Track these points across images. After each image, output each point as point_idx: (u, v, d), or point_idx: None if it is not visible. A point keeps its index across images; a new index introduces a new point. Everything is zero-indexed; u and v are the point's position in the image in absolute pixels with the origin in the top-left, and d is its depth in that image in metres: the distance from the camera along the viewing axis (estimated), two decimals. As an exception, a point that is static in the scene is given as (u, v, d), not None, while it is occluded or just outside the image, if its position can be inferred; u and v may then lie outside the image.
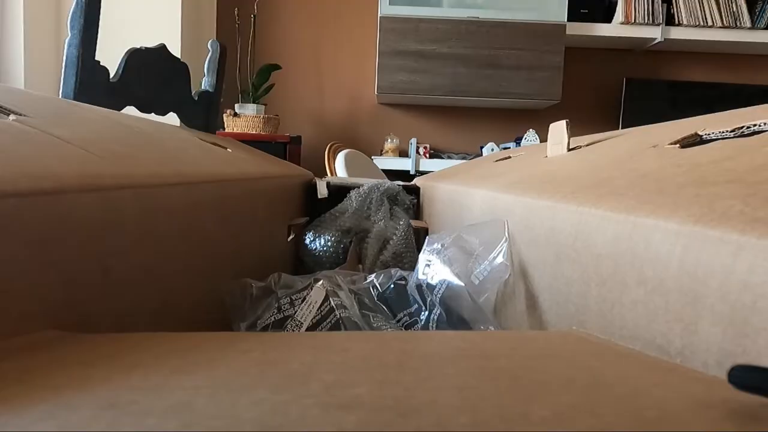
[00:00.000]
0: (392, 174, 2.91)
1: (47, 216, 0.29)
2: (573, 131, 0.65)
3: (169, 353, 0.23)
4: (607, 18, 3.16)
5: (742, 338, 0.20)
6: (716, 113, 0.54)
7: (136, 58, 1.21)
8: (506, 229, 0.45)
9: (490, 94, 3.02)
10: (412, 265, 0.89)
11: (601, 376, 0.22)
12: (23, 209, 0.28)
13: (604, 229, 0.30)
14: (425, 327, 0.46)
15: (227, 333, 0.26)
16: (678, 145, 0.42)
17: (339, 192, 1.04)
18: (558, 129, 0.66)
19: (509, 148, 2.83)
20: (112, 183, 0.37)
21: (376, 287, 0.52)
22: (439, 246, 0.43)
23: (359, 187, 1.03)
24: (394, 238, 0.92)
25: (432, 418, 0.17)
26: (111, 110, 0.78)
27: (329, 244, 0.92)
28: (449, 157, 3.19)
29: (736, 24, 3.09)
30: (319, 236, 0.93)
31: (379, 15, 2.97)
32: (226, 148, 0.89)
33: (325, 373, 0.21)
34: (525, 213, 0.43)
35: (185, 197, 0.49)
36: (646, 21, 3.09)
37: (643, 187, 0.32)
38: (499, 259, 0.44)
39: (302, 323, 0.43)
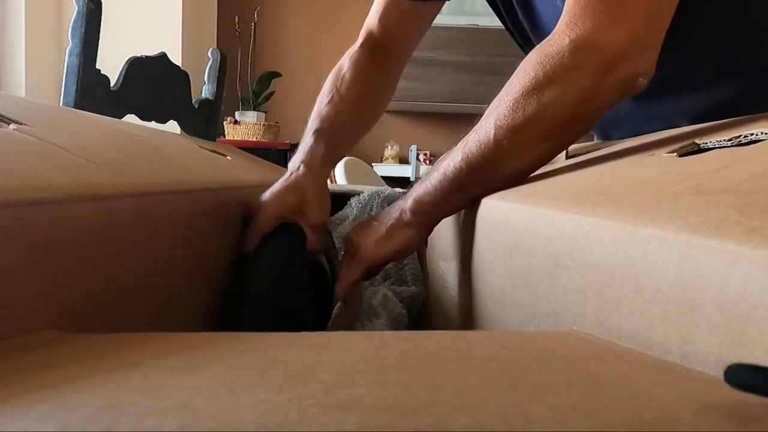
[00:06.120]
0: (393, 181, 2.91)
1: (47, 225, 0.29)
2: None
3: (169, 353, 0.23)
4: (606, 25, 3.17)
5: (738, 348, 0.20)
6: (714, 122, 0.54)
7: (136, 66, 1.22)
8: None
9: (489, 101, 3.01)
10: (413, 272, 0.89)
11: (601, 377, 0.22)
12: (23, 218, 0.28)
13: (601, 237, 0.30)
14: None
15: (226, 333, 0.26)
16: (675, 154, 0.42)
17: (339, 199, 1.04)
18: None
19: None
20: (111, 192, 0.37)
21: None
22: None
23: (359, 194, 1.03)
24: (395, 244, 0.91)
25: (432, 419, 0.17)
26: (111, 118, 0.78)
27: None
28: (449, 164, 3.19)
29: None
30: None
31: (378, 23, 2.98)
32: (225, 156, 0.90)
33: (324, 374, 0.21)
34: (523, 221, 0.44)
35: (184, 205, 0.49)
36: (644, 28, 3.09)
37: (641, 196, 0.32)
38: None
39: None
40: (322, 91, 0.78)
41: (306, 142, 0.72)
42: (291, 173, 0.68)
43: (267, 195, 0.65)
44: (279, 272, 0.59)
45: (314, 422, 0.16)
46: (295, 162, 0.70)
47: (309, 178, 0.68)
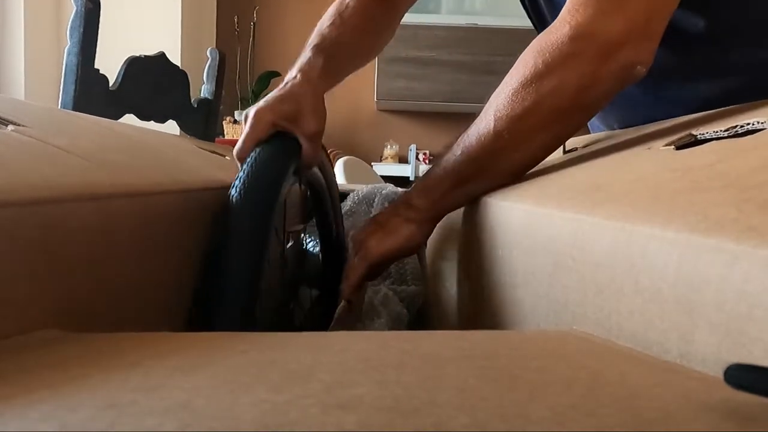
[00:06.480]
0: (392, 181, 2.90)
1: (46, 224, 0.29)
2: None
3: (169, 353, 0.23)
4: (605, 24, 3.17)
5: (738, 347, 0.20)
6: (710, 111, 0.54)
7: (135, 66, 1.22)
8: None
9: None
10: (413, 271, 0.89)
11: (601, 376, 0.22)
12: (22, 218, 0.28)
13: (601, 237, 0.30)
14: None
15: (226, 333, 0.26)
16: (673, 147, 0.42)
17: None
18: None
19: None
20: (109, 191, 0.37)
21: None
22: None
23: (357, 191, 1.03)
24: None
25: (432, 418, 0.17)
26: (109, 119, 0.78)
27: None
28: (448, 164, 3.19)
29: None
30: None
31: (377, 22, 2.98)
32: (224, 156, 0.89)
33: (324, 373, 0.21)
34: (524, 220, 0.44)
35: (183, 205, 0.49)
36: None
37: (639, 193, 0.32)
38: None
39: None
40: (324, 16, 0.76)
41: (304, 55, 0.69)
42: (287, 82, 0.66)
43: (261, 103, 0.63)
44: (274, 177, 0.56)
45: (314, 422, 0.16)
46: (292, 72, 0.68)
47: (306, 87, 0.65)
